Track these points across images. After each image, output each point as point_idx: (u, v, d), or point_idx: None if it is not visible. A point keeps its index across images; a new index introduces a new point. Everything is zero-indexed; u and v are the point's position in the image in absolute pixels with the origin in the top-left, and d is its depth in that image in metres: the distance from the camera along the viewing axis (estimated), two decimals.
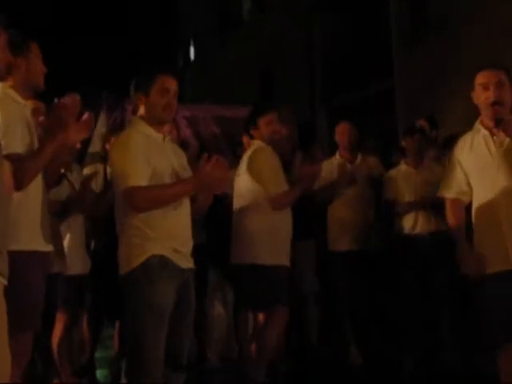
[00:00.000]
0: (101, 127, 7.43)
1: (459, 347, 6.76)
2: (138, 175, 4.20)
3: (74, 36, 17.93)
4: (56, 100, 4.18)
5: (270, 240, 5.68)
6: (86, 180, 5.73)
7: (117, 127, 7.13)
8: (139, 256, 4.20)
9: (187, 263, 4.38)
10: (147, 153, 4.26)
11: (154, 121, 4.42)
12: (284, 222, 5.82)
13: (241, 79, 20.29)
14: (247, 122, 6.21)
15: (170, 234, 4.29)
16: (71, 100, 4.29)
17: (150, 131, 4.40)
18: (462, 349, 6.72)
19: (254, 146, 5.99)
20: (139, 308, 4.17)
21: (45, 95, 4.72)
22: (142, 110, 4.44)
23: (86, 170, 6.65)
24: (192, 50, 25.72)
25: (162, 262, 4.22)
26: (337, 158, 7.45)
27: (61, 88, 5.09)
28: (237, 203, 5.94)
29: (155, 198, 4.24)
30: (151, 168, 4.25)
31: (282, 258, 5.76)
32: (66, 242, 5.76)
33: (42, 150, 4.04)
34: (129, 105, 6.84)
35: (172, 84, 4.45)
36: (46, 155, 4.05)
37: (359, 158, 7.42)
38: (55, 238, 4.80)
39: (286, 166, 6.51)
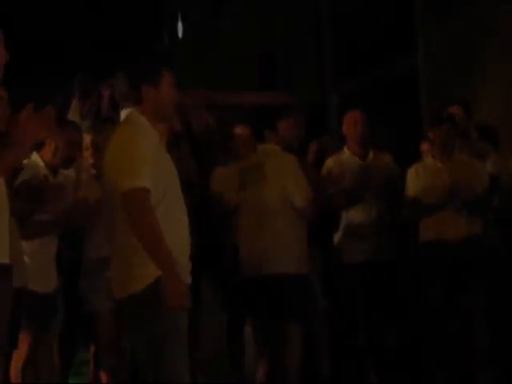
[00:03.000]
0: (72, 115, 7.39)
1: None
2: (144, 176, 4.28)
3: (44, 12, 18.06)
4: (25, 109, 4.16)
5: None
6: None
7: (92, 116, 7.13)
8: (145, 277, 4.28)
9: (190, 278, 4.52)
10: (155, 158, 4.37)
11: (158, 116, 4.58)
12: None
13: (238, 61, 20.34)
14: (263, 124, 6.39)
15: (176, 251, 4.35)
16: (43, 117, 4.27)
17: (150, 128, 4.50)
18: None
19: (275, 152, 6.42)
20: (159, 330, 4.25)
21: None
22: (144, 104, 4.51)
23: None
24: (180, 25, 25.78)
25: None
26: (346, 154, 7.40)
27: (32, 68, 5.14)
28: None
29: None
30: (157, 175, 4.34)
31: None
32: (33, 253, 5.79)
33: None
34: (105, 90, 6.85)
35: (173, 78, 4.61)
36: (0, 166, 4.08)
37: (371, 154, 7.39)
38: (14, 248, 4.78)
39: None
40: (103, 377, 6.25)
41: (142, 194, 4.24)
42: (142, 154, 4.31)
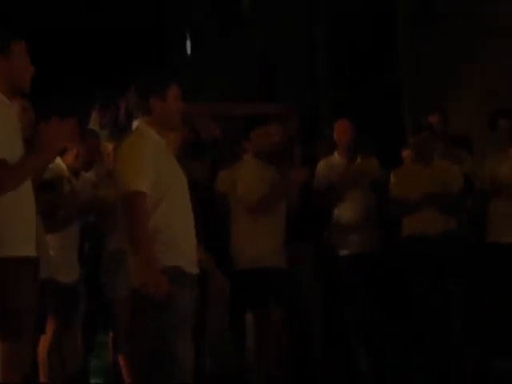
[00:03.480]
0: (93, 125, 7.41)
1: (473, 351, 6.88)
2: (143, 182, 4.29)
3: (66, 30, 18.05)
4: (50, 120, 4.16)
5: None
6: None
7: (110, 126, 7.13)
8: None
9: (196, 269, 4.49)
10: (158, 161, 4.36)
11: (166, 127, 4.59)
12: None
13: (241, 75, 20.31)
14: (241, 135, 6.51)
15: (180, 243, 4.37)
16: (66, 127, 4.27)
17: (158, 137, 4.50)
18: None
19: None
20: (167, 320, 4.23)
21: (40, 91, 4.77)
22: (153, 115, 4.49)
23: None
24: (188, 43, 25.79)
25: (177, 273, 4.31)
26: (336, 158, 7.39)
27: (53, 81, 5.14)
28: None
29: None
30: (160, 174, 4.34)
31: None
32: (57, 247, 5.84)
33: (26, 165, 4.08)
34: (122, 103, 6.85)
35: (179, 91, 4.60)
36: (28, 170, 4.11)
37: (358, 158, 7.36)
38: (40, 242, 4.80)
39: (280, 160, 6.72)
40: (121, 360, 6.23)
41: (138, 196, 4.25)
42: (142, 162, 4.32)
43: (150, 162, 4.33)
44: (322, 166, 7.35)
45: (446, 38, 12.99)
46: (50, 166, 5.37)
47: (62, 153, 5.77)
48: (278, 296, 6.26)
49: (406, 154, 7.59)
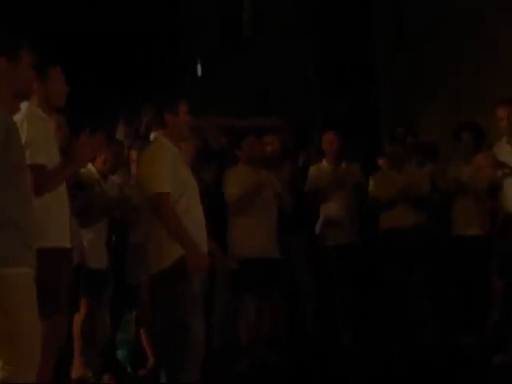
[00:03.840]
0: (119, 135, 7.43)
1: (438, 328, 6.92)
2: (165, 183, 4.34)
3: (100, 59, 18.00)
4: (82, 134, 4.28)
5: None
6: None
7: (133, 137, 7.17)
8: (168, 258, 4.31)
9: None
10: (174, 167, 4.41)
11: (178, 137, 4.62)
12: None
13: (243, 93, 20.31)
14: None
15: (194, 235, 4.37)
16: (95, 140, 4.40)
17: (172, 147, 4.54)
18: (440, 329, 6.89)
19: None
20: (181, 299, 4.27)
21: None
22: (167, 128, 4.54)
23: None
24: (199, 66, 25.77)
25: None
26: (324, 165, 7.41)
27: (81, 98, 5.17)
28: None
29: None
30: (177, 177, 4.39)
31: None
32: (89, 238, 5.90)
33: (62, 171, 4.20)
34: (145, 117, 6.88)
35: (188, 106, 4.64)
36: (64, 175, 4.23)
37: (343, 164, 7.40)
38: (74, 235, 4.94)
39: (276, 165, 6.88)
40: (142, 334, 6.33)
41: (164, 196, 4.31)
42: (162, 167, 4.37)
43: (168, 167, 4.36)
44: (312, 171, 7.39)
45: (420, 61, 13.11)
46: (82, 170, 5.43)
47: (92, 159, 5.76)
48: (274, 281, 6.35)
49: (381, 161, 7.66)
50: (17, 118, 3.97)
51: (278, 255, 6.44)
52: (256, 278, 6.20)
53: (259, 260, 6.19)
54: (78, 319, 5.87)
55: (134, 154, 6.34)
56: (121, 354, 6.85)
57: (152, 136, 4.64)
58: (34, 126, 4.15)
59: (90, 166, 5.95)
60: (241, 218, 6.31)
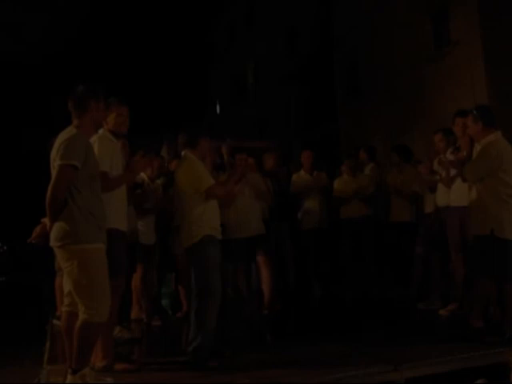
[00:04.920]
0: (163, 153, 7.40)
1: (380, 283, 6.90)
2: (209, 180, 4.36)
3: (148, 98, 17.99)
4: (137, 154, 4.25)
5: None
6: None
7: (173, 154, 7.14)
8: (197, 236, 4.28)
9: (220, 235, 4.47)
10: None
11: (201, 155, 4.54)
12: None
13: (247, 125, 20.39)
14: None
15: (212, 220, 4.37)
16: (146, 159, 4.56)
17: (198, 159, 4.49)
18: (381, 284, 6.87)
19: None
20: (206, 264, 4.25)
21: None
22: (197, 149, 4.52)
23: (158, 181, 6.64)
24: (218, 106, 25.90)
25: (211, 239, 4.32)
26: (302, 173, 7.35)
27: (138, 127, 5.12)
28: None
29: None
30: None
31: None
32: (143, 223, 5.80)
33: (122, 178, 4.15)
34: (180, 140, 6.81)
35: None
36: (123, 181, 4.18)
37: (315, 173, 7.34)
38: (131, 220, 4.92)
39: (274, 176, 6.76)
40: (180, 289, 6.30)
41: (212, 188, 4.34)
42: (201, 170, 4.38)
43: (203, 170, 4.41)
44: (294, 178, 7.33)
45: (370, 107, 13.13)
46: (138, 176, 5.39)
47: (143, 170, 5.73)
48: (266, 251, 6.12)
49: (343, 168, 7.51)
50: (92, 139, 3.95)
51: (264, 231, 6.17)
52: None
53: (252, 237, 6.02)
54: (135, 278, 5.84)
55: (173, 164, 6.27)
56: (164, 302, 6.84)
57: (183, 153, 4.58)
58: (102, 145, 4.10)
59: (142, 173, 5.87)
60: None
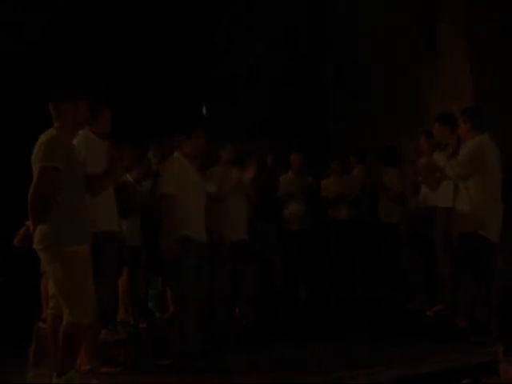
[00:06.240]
0: (150, 156, 7.31)
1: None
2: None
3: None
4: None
5: None
6: None
7: (159, 156, 7.05)
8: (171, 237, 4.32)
9: (203, 237, 4.49)
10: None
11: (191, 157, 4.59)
12: None
13: (242, 132, 20.33)
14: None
15: (193, 221, 4.41)
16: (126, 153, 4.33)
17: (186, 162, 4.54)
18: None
19: None
20: (187, 266, 4.33)
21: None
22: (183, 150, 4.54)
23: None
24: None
25: (189, 239, 4.36)
26: (290, 174, 7.30)
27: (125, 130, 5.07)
28: None
29: None
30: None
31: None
32: (128, 224, 5.70)
33: (103, 183, 3.88)
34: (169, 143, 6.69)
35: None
36: (106, 186, 3.98)
37: (302, 176, 7.31)
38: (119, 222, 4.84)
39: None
40: (168, 291, 5.87)
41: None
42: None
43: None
44: (282, 179, 7.22)
45: (355, 112, 13.11)
46: (122, 179, 5.18)
47: (128, 170, 5.64)
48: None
49: (333, 165, 7.57)
50: (75, 140, 3.86)
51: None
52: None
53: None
54: (121, 280, 5.77)
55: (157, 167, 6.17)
56: (151, 304, 6.76)
57: (175, 155, 4.64)
58: (85, 147, 4.06)
59: (127, 175, 5.76)
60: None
